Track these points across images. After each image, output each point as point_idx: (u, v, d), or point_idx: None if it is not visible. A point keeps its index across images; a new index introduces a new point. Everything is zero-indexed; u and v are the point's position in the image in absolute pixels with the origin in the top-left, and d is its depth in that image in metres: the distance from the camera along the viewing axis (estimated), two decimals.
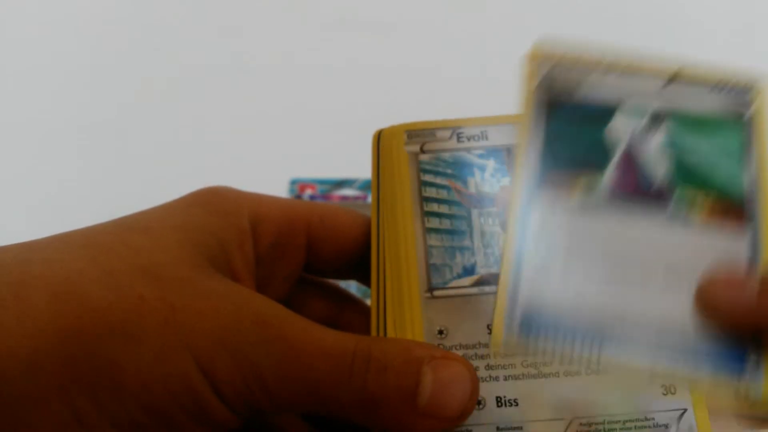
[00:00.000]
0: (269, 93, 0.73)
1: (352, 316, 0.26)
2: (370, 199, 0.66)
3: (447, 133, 0.23)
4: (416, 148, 0.23)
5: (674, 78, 0.20)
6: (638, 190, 0.19)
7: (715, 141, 0.20)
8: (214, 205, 0.21)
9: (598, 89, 0.20)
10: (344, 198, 0.62)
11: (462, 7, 0.75)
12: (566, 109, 0.20)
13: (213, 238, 0.20)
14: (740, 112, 0.20)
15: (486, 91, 0.73)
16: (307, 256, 0.24)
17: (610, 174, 0.19)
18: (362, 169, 0.64)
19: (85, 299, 0.16)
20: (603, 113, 0.20)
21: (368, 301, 0.25)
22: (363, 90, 0.72)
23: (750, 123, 0.20)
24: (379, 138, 0.24)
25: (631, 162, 0.19)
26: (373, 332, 0.21)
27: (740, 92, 0.20)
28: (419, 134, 0.24)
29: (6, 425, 0.15)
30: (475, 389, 0.19)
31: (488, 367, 0.20)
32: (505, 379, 0.20)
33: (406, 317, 0.21)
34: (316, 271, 0.25)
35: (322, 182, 0.64)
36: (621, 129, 0.20)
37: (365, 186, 0.62)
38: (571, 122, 0.20)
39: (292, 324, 0.18)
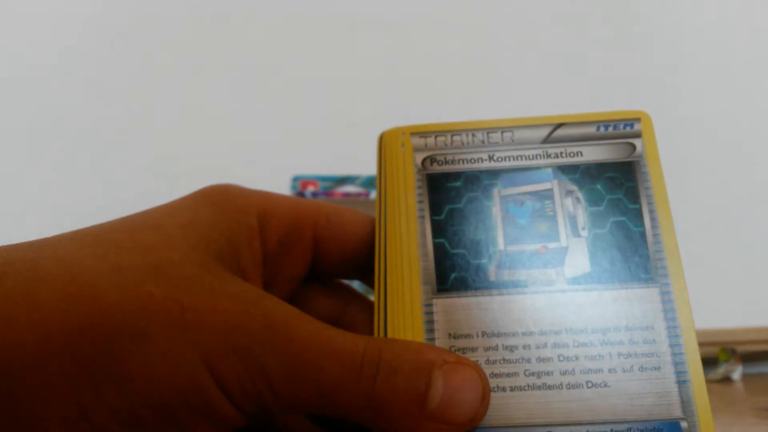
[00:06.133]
0: (271, 90, 0.73)
1: (356, 313, 0.26)
2: (372, 195, 0.67)
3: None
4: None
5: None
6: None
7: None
8: (222, 203, 0.21)
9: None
10: (346, 195, 0.62)
11: (463, 6, 0.75)
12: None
13: (222, 236, 0.20)
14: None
15: (487, 90, 0.73)
16: (313, 257, 0.24)
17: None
18: (364, 165, 0.64)
19: (94, 296, 0.16)
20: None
21: (372, 297, 0.25)
22: (365, 87, 0.72)
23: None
24: (382, 140, 0.24)
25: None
26: (375, 332, 0.21)
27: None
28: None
29: (11, 418, 0.15)
30: (486, 395, 0.19)
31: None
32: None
33: (407, 318, 0.21)
34: (321, 271, 0.25)
35: (324, 179, 0.64)
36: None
37: (367, 182, 0.62)
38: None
39: (301, 325, 0.18)
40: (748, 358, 0.61)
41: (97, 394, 0.16)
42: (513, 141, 0.23)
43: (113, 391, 0.16)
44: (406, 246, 0.22)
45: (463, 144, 0.23)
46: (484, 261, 0.22)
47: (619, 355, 0.20)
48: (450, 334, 0.21)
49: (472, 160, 0.23)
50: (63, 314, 0.16)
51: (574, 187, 0.22)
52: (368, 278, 0.25)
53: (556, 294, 0.21)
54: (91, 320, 0.16)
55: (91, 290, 0.17)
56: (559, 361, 0.20)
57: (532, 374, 0.20)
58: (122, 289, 0.17)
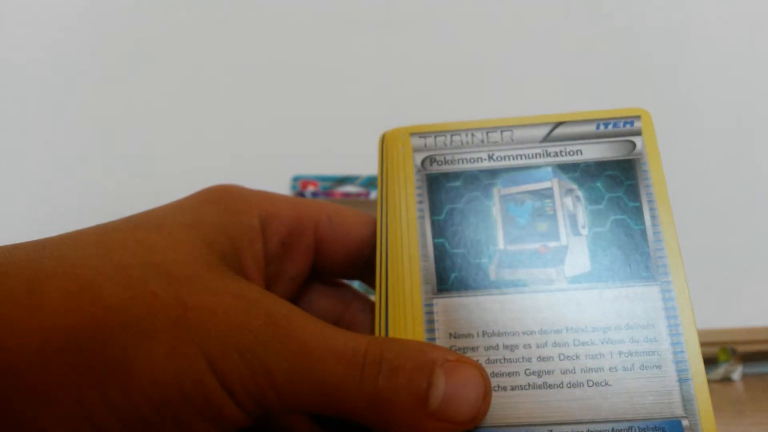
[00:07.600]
0: (272, 91, 0.73)
1: (357, 313, 0.26)
2: (372, 195, 0.67)
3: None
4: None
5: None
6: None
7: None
8: (225, 203, 0.21)
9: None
10: (346, 195, 0.62)
11: (463, 6, 0.75)
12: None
13: (224, 236, 0.20)
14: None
15: (487, 89, 0.73)
16: (314, 257, 0.24)
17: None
18: (364, 165, 0.64)
19: (98, 295, 0.16)
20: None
21: (372, 297, 0.25)
22: (365, 88, 0.73)
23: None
24: (384, 140, 0.24)
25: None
26: (376, 332, 0.21)
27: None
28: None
29: (13, 418, 0.15)
30: (488, 394, 0.19)
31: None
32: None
33: (408, 317, 0.21)
34: (323, 271, 0.25)
35: (324, 179, 0.64)
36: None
37: (367, 183, 0.62)
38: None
39: (303, 324, 0.18)
40: (748, 358, 0.61)
41: (99, 393, 0.16)
42: (512, 140, 0.23)
43: (116, 391, 0.16)
44: (407, 246, 0.22)
45: (462, 144, 0.23)
46: (484, 260, 0.22)
47: (620, 353, 0.20)
48: (450, 334, 0.21)
49: (472, 160, 0.23)
50: (66, 313, 0.16)
51: (574, 186, 0.22)
52: (369, 278, 0.25)
53: (556, 293, 0.21)
54: (94, 319, 0.16)
55: (94, 289, 0.17)
56: (560, 360, 0.20)
57: (533, 373, 0.20)
58: (125, 289, 0.17)
